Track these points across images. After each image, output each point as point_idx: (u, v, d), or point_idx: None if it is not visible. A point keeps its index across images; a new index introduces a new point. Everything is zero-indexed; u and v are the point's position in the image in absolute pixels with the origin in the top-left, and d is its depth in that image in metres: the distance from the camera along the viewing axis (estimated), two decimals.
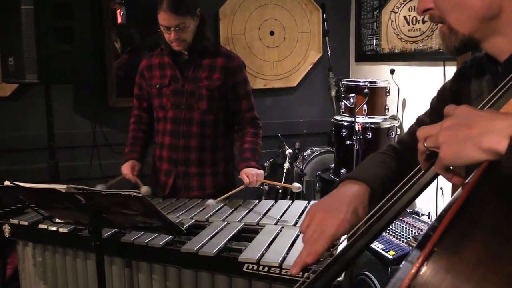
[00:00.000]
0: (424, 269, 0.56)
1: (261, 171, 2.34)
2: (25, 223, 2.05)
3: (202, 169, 2.46)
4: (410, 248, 2.42)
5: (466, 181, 0.68)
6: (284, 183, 3.61)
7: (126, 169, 2.42)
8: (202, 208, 2.13)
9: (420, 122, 1.32)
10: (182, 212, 2.15)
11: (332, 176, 3.57)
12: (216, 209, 2.14)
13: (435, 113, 1.26)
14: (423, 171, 0.82)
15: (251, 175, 2.26)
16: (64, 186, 1.52)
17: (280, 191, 3.69)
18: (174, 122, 2.42)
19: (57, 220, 1.91)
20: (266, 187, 3.76)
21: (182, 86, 2.39)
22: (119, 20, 3.72)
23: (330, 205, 1.10)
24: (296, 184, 2.27)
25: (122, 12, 3.72)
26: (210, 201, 2.10)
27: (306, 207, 2.18)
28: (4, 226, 2.08)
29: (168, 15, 2.21)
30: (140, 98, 2.59)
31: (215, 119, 2.44)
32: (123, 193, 1.43)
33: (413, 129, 1.34)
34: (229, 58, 2.43)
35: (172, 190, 2.48)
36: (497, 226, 0.56)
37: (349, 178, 1.18)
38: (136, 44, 3.80)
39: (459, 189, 0.68)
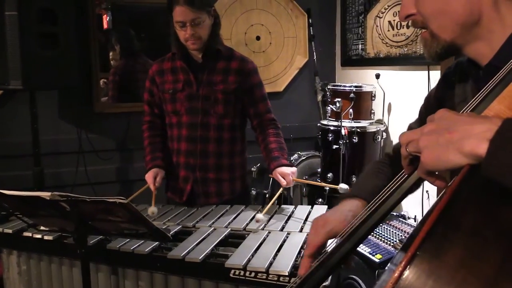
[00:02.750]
0: (406, 273, 0.56)
1: (295, 169, 2.29)
2: (10, 231, 2.03)
3: (220, 175, 2.43)
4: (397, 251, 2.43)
5: (449, 184, 0.69)
6: (271, 186, 3.62)
7: (149, 178, 2.36)
8: (247, 222, 2.06)
9: (410, 129, 1.34)
10: (169, 218, 2.14)
11: (319, 181, 3.57)
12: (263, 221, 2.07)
13: (423, 119, 1.28)
14: (406, 175, 0.83)
15: (287, 175, 2.22)
16: (49, 194, 1.51)
17: (267, 195, 3.69)
18: (190, 127, 2.38)
19: (42, 227, 1.89)
20: (254, 192, 3.76)
21: (196, 90, 2.34)
22: (105, 26, 3.70)
23: (332, 213, 1.16)
24: (343, 186, 2.18)
25: (108, 18, 3.70)
26: (259, 216, 2.02)
27: (293, 211, 2.19)
28: None
29: (184, 9, 2.17)
30: (151, 104, 2.53)
31: (232, 123, 2.41)
32: (108, 200, 1.42)
33: None
34: (244, 61, 2.40)
35: (190, 196, 2.45)
36: (477, 229, 0.57)
37: (348, 197, 1.23)
38: (134, 49, 3.79)
39: (442, 192, 0.69)
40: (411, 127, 1.35)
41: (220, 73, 2.34)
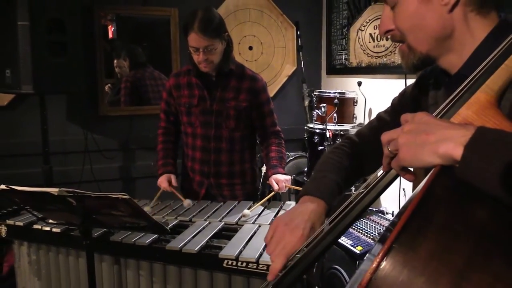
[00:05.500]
0: (383, 263, 0.56)
1: (289, 177, 2.31)
2: (21, 224, 2.02)
3: (232, 180, 2.44)
4: None
5: (422, 182, 0.69)
6: (261, 185, 3.61)
7: (163, 182, 2.35)
8: (239, 216, 2.05)
9: (380, 118, 1.34)
10: (168, 212, 2.14)
11: (305, 179, 3.58)
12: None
13: (395, 112, 1.28)
14: (382, 174, 0.83)
15: (281, 181, 2.24)
16: (56, 189, 1.50)
17: (258, 193, 3.69)
18: (203, 138, 2.39)
19: (50, 221, 1.88)
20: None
21: (210, 105, 2.34)
22: (110, 35, 3.69)
23: (291, 221, 1.07)
24: None
25: (113, 28, 3.69)
26: (246, 211, 2.03)
27: (281, 207, 2.19)
28: (0, 227, 2.04)
29: (198, 36, 2.14)
30: (167, 113, 2.52)
31: (242, 135, 2.42)
32: (111, 195, 1.41)
33: (373, 124, 1.35)
34: (254, 80, 2.38)
35: (204, 198, 2.44)
36: (448, 224, 0.57)
37: (308, 194, 1.17)
38: (141, 61, 3.79)
39: (416, 190, 0.69)
40: (380, 116, 1.34)
41: (232, 90, 2.34)
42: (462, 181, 0.62)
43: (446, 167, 0.65)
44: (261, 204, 2.17)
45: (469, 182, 0.61)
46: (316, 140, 3.39)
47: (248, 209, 2.08)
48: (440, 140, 0.65)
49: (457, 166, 0.63)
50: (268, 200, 2.26)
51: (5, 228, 2.04)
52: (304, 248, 0.97)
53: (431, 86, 1.12)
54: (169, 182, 2.36)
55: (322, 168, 1.27)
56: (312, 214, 1.09)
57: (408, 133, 0.71)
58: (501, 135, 0.62)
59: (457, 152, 0.63)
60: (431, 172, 0.65)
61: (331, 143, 3.28)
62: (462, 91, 0.76)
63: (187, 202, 2.20)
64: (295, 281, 0.88)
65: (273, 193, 2.25)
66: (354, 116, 3.50)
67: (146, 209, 2.07)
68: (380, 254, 0.56)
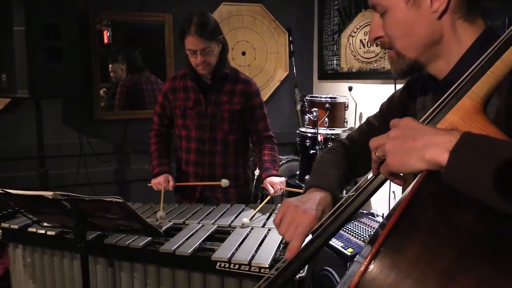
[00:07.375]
0: (371, 266, 0.56)
1: (283, 179, 2.29)
2: (16, 226, 2.00)
3: None
4: None
5: (410, 186, 0.69)
6: (255, 187, 3.61)
7: (164, 182, 2.32)
8: (240, 225, 1.97)
9: (369, 123, 1.34)
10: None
11: (297, 182, 3.58)
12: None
13: (383, 117, 1.29)
14: (372, 178, 0.83)
15: (276, 184, 2.22)
16: (51, 193, 1.49)
17: (251, 196, 3.67)
18: (198, 141, 2.38)
19: (45, 224, 1.87)
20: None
21: (205, 109, 2.34)
22: (105, 41, 3.68)
23: (302, 203, 1.08)
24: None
25: (108, 33, 3.68)
26: (245, 220, 1.99)
27: (273, 210, 2.18)
28: None
29: (195, 39, 2.15)
30: (161, 116, 2.51)
31: (237, 138, 2.41)
32: (105, 199, 1.41)
33: (363, 128, 1.36)
34: (248, 84, 2.38)
35: (198, 201, 2.43)
36: (434, 227, 0.57)
37: (314, 187, 1.18)
38: (139, 65, 3.77)
39: (404, 193, 0.69)
40: (369, 121, 1.35)
41: (226, 94, 2.34)
42: (448, 185, 0.63)
43: (432, 172, 0.65)
44: (255, 208, 2.16)
45: (455, 187, 0.62)
46: (308, 143, 3.39)
47: (244, 210, 2.07)
48: (426, 146, 0.65)
49: (443, 171, 0.63)
50: (261, 201, 2.25)
51: (0, 231, 2.02)
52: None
53: (419, 92, 1.13)
54: (168, 183, 2.33)
55: (322, 165, 1.29)
56: (322, 200, 1.11)
57: (395, 139, 0.71)
58: (486, 140, 0.63)
59: (443, 157, 0.63)
60: (418, 176, 0.65)
61: (323, 146, 3.29)
62: (449, 97, 0.77)
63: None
64: (286, 282, 0.87)
65: (269, 197, 2.24)
66: (345, 120, 3.51)
67: (160, 214, 2.05)
68: (368, 257, 0.56)
